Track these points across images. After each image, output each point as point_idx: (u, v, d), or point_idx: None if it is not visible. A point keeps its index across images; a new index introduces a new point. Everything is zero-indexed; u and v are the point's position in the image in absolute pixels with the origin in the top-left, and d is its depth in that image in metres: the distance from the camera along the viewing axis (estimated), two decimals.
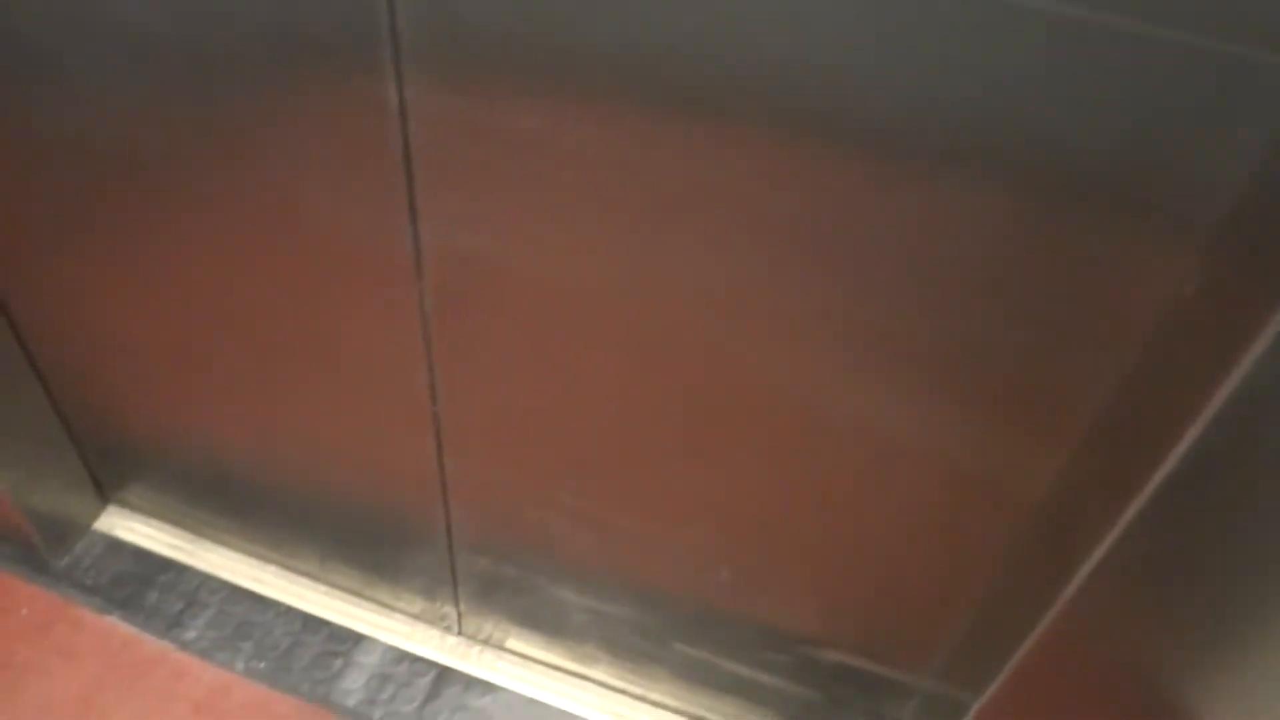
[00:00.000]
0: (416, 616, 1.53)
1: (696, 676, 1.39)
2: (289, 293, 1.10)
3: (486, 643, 1.51)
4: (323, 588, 1.55)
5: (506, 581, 1.37)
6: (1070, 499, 0.81)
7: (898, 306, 0.83)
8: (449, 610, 1.48)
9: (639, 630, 1.35)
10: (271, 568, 1.57)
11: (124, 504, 1.61)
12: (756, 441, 1.02)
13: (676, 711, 1.46)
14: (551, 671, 1.49)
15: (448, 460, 1.21)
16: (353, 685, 1.45)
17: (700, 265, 0.88)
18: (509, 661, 1.50)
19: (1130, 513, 0.70)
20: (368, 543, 1.44)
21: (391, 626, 1.52)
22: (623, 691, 1.47)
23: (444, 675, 1.48)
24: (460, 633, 1.52)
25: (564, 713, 1.46)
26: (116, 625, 1.48)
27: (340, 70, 0.86)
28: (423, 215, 0.95)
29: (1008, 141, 0.69)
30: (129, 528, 1.60)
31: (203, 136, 0.96)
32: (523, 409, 1.11)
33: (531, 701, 1.46)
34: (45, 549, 1.51)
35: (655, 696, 1.46)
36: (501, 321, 1.02)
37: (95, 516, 1.60)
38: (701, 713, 1.44)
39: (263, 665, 1.46)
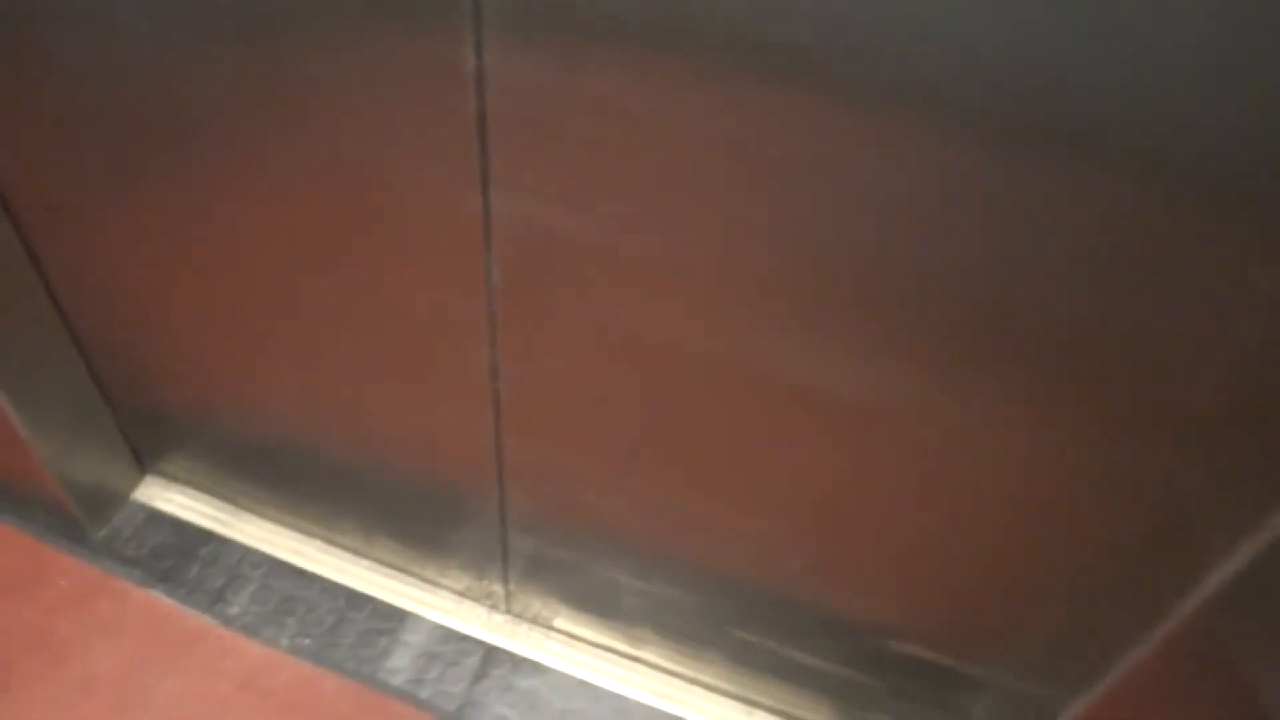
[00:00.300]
0: (462, 594, 1.49)
1: (752, 661, 1.35)
2: (347, 260, 1.04)
3: (534, 621, 1.48)
4: (366, 563, 1.52)
5: (559, 562, 1.33)
6: (1198, 503, 0.76)
7: (1010, 293, 0.77)
8: (496, 588, 1.45)
9: (696, 615, 1.31)
10: (315, 541, 1.54)
11: (163, 474, 1.58)
12: (844, 430, 0.97)
13: (728, 695, 1.42)
14: (600, 652, 1.46)
15: (505, 440, 1.17)
16: (399, 664, 1.42)
17: (787, 243, 0.83)
18: (557, 641, 1.47)
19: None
20: (415, 518, 1.40)
21: (437, 604, 1.49)
22: (673, 674, 1.44)
23: (491, 655, 1.45)
24: (507, 611, 1.48)
25: (614, 694, 1.43)
26: (159, 599, 1.45)
27: (414, 30, 0.80)
28: (495, 184, 0.90)
29: (1156, 123, 0.63)
30: (168, 498, 1.56)
31: (264, 95, 0.91)
32: (589, 391, 1.06)
33: (581, 683, 1.43)
34: (84, 519, 1.48)
35: (707, 679, 1.42)
36: (572, 298, 0.97)
37: (134, 487, 1.57)
38: (754, 696, 1.41)
39: (308, 642, 1.43)
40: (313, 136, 0.92)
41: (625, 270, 0.91)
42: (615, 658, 1.45)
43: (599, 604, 1.39)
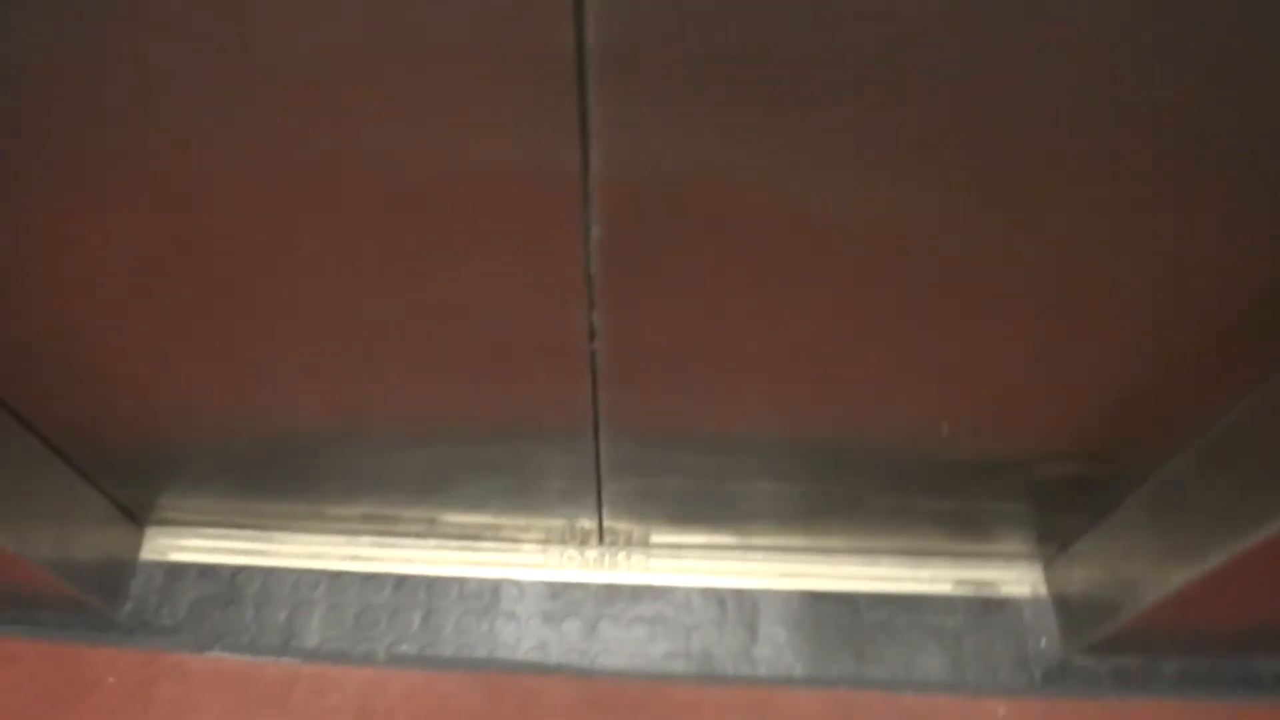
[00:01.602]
0: (547, 540, 1.37)
1: (875, 519, 1.28)
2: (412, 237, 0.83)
3: (630, 543, 1.37)
4: (432, 542, 1.37)
5: (665, 489, 1.21)
6: None
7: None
8: (588, 524, 1.32)
9: (818, 498, 1.22)
10: (364, 539, 1.37)
11: (165, 522, 1.36)
12: (998, 308, 0.86)
13: (850, 551, 1.37)
14: (710, 551, 1.37)
15: (603, 395, 1.01)
16: (513, 637, 1.30)
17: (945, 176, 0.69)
18: (661, 556, 1.37)
19: None
20: (487, 476, 1.22)
21: (525, 560, 1.36)
22: (788, 549, 1.36)
23: (601, 594, 1.34)
24: (600, 542, 1.37)
25: (737, 592, 1.35)
26: (224, 659, 1.27)
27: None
28: (595, 134, 0.70)
29: None
30: (182, 546, 1.35)
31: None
32: (704, 331, 0.91)
33: (702, 592, 1.35)
34: (99, 603, 1.26)
35: (824, 544, 1.36)
36: (683, 247, 0.80)
37: (137, 547, 1.35)
38: (877, 545, 1.36)
39: (405, 647, 1.29)
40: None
41: (747, 215, 0.76)
42: (725, 552, 1.37)
43: (704, 512, 1.28)
